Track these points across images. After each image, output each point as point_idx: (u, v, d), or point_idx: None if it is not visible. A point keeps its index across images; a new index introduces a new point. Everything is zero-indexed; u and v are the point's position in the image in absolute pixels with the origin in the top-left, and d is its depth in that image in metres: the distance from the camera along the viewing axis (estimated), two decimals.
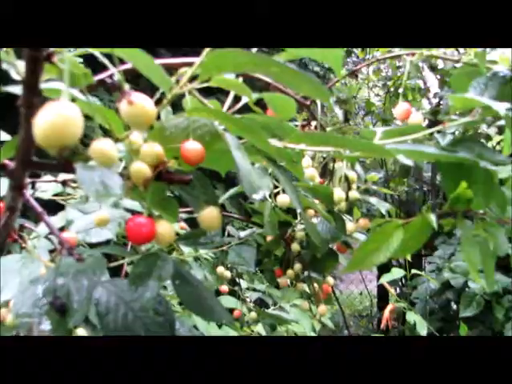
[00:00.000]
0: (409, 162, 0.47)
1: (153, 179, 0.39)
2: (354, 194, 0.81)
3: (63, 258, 0.52)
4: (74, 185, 0.56)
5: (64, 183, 0.54)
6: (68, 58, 0.25)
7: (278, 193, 0.82)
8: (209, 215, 0.42)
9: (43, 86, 0.31)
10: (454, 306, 2.33)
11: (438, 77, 2.57)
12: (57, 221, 0.78)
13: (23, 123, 0.34)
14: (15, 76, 0.31)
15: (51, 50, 0.29)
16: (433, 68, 2.46)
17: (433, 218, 0.38)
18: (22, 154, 0.38)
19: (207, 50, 0.34)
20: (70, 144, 0.21)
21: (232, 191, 0.91)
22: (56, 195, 0.74)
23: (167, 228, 0.40)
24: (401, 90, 2.81)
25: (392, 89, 2.92)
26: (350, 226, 0.83)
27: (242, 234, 1.02)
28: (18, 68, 0.31)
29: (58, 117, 0.20)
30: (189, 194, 0.49)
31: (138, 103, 0.30)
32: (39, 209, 0.44)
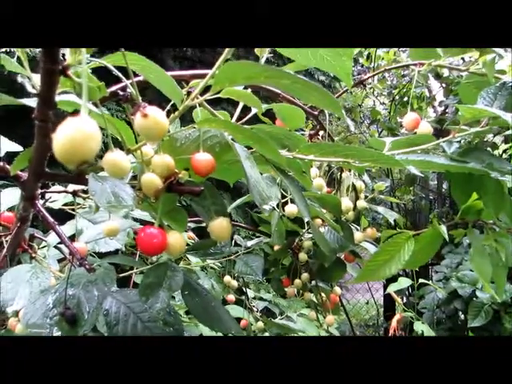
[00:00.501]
0: (416, 172, 0.47)
1: (164, 190, 0.40)
2: (361, 203, 0.81)
3: (74, 269, 0.52)
4: (84, 195, 0.57)
5: (74, 194, 0.55)
6: (84, 71, 0.26)
7: (285, 203, 0.82)
8: (219, 226, 0.42)
9: (57, 98, 0.32)
10: (462, 316, 2.31)
11: (444, 85, 2.57)
12: (66, 230, 0.78)
13: (37, 135, 0.35)
14: (30, 89, 0.31)
15: (66, 63, 0.29)
16: (438, 76, 2.46)
17: (444, 229, 0.38)
18: (34, 165, 0.39)
19: (220, 62, 0.35)
20: (88, 159, 0.21)
21: (239, 201, 0.91)
22: (65, 205, 0.75)
23: (178, 239, 0.40)
24: (406, 99, 2.81)
25: (397, 97, 2.92)
26: (357, 235, 0.83)
27: (250, 243, 1.02)
28: (33, 81, 0.31)
29: (77, 132, 0.20)
30: (199, 204, 0.49)
31: (152, 116, 0.30)
32: (50, 219, 0.44)
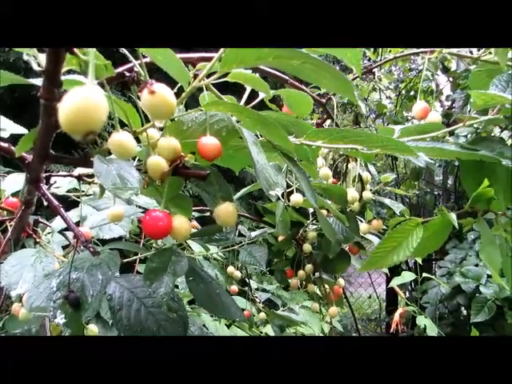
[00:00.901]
0: (421, 164, 0.46)
1: (170, 173, 0.39)
2: (367, 194, 0.80)
3: (78, 253, 0.52)
4: (89, 179, 0.56)
5: (79, 178, 0.54)
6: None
7: (290, 193, 0.81)
8: (225, 211, 0.42)
9: (63, 77, 0.31)
10: (465, 311, 2.30)
11: (451, 79, 2.55)
12: (70, 217, 0.78)
13: (43, 115, 0.34)
14: (36, 67, 0.31)
15: None
16: (445, 70, 2.44)
17: (453, 216, 0.37)
18: (39, 147, 0.39)
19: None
20: (96, 129, 0.21)
21: (244, 191, 0.91)
22: (69, 192, 0.75)
23: (184, 222, 0.40)
24: (412, 93, 2.79)
25: (404, 91, 2.90)
26: (362, 226, 0.82)
27: (254, 233, 1.02)
28: (38, 59, 0.31)
29: (84, 101, 0.20)
30: (204, 189, 0.49)
31: (160, 93, 0.30)
32: (55, 202, 0.44)
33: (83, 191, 0.73)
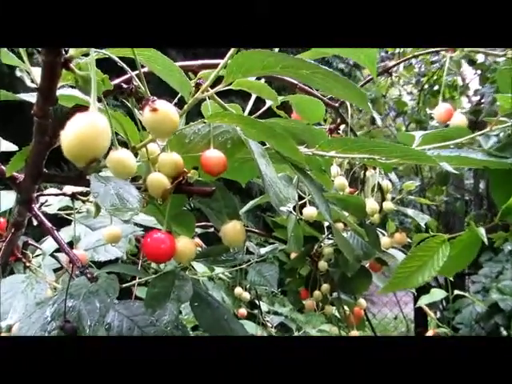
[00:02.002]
0: (449, 168, 0.48)
1: (172, 191, 0.41)
2: (388, 204, 0.81)
3: (72, 279, 0.54)
4: (83, 198, 0.58)
5: (73, 196, 0.56)
6: (92, 62, 0.27)
7: (302, 205, 0.83)
8: (232, 230, 0.43)
9: (58, 93, 0.33)
10: (504, 332, 2.28)
11: (479, 72, 2.56)
12: (62, 237, 0.80)
13: (36, 133, 0.36)
14: (29, 83, 0.33)
15: (69, 55, 0.30)
16: (472, 62, 2.45)
17: (482, 231, 0.38)
18: (32, 166, 0.40)
19: (232, 51, 0.36)
20: (99, 156, 0.22)
21: (251, 204, 0.92)
22: (60, 210, 0.77)
23: (188, 243, 0.41)
24: (436, 87, 2.79)
25: (426, 86, 2.91)
26: (384, 240, 0.83)
27: (263, 250, 1.03)
28: (32, 74, 0.32)
29: (88, 128, 0.21)
30: (208, 206, 0.50)
31: (162, 110, 0.32)
32: (48, 224, 0.46)
33: (76, 209, 0.75)
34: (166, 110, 0.32)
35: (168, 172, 0.41)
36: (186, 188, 0.42)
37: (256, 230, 1.03)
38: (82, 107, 0.37)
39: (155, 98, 0.32)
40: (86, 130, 0.21)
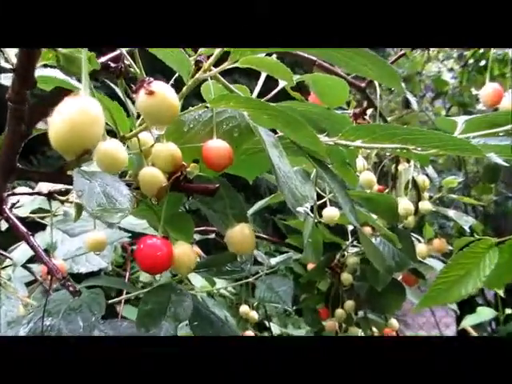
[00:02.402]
0: (498, 161, 0.48)
1: (168, 189, 0.42)
2: (425, 205, 0.82)
3: (49, 293, 0.55)
4: (62, 198, 0.59)
5: (50, 196, 0.57)
6: None
7: (321, 205, 0.84)
8: (240, 234, 0.44)
9: (37, 74, 0.34)
10: None
11: None
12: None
13: (10, 120, 0.37)
14: (3, 63, 0.34)
15: None
16: None
17: None
18: (4, 159, 0.42)
19: None
20: (92, 147, 0.23)
21: (260, 204, 0.93)
22: (32, 213, 0.78)
23: (187, 251, 0.42)
24: (483, 62, 2.79)
25: (471, 61, 2.90)
26: (420, 248, 0.84)
27: (274, 260, 1.04)
28: (7, 54, 0.34)
29: (80, 115, 0.22)
30: (210, 207, 0.52)
31: (160, 93, 0.33)
32: (23, 228, 0.47)
33: (49, 211, 0.76)
34: (164, 92, 0.33)
35: (164, 166, 0.42)
36: (184, 185, 0.43)
37: (265, 236, 1.04)
38: (64, 91, 0.38)
39: (151, 78, 0.33)
40: (77, 117, 0.22)
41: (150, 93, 0.33)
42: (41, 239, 0.78)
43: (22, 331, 0.48)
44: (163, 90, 0.33)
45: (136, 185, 0.43)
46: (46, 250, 0.72)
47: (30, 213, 0.77)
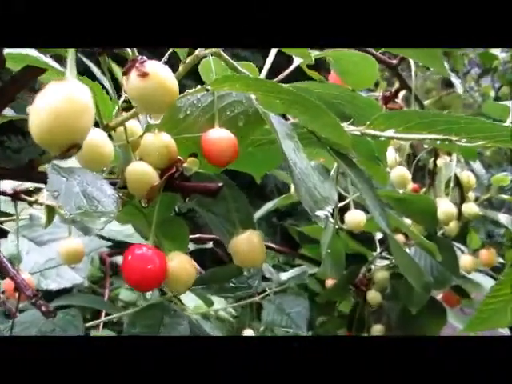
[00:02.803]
0: None
1: (161, 188, 0.43)
2: (470, 208, 0.83)
3: (13, 316, 0.56)
4: (30, 198, 0.60)
5: (15, 196, 0.58)
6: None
7: (344, 208, 0.84)
8: (247, 243, 0.45)
9: (6, 51, 0.35)
10: None
11: None
12: None
13: None
14: None
15: None
16: None
17: None
18: None
19: None
20: (81, 140, 0.24)
21: (268, 207, 0.94)
22: None
23: (185, 263, 0.43)
24: None
25: None
26: (465, 260, 0.84)
27: (284, 275, 1.05)
28: None
29: (66, 102, 0.23)
30: (210, 210, 0.52)
31: (156, 75, 0.33)
32: None
33: (10, 214, 0.77)
34: (160, 74, 0.34)
35: (155, 161, 0.43)
36: (180, 184, 0.44)
37: (273, 246, 1.05)
38: (36, 70, 0.39)
39: (144, 57, 0.34)
40: (64, 105, 0.23)
41: (144, 75, 0.33)
42: (3, 248, 0.79)
43: None
44: (159, 72, 0.34)
45: (122, 183, 0.44)
46: (10, 262, 0.73)
47: None
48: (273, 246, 1.06)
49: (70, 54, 0.27)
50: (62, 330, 0.49)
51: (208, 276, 0.57)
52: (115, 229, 0.86)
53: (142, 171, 0.42)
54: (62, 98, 0.24)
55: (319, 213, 0.45)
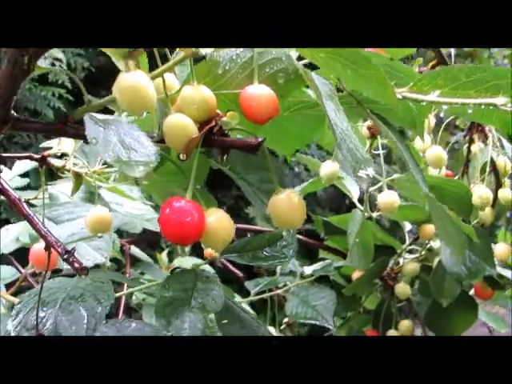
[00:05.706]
0: None
1: (199, 141, 0.43)
2: (507, 194, 0.82)
3: (36, 283, 0.56)
4: (58, 163, 0.60)
5: (42, 161, 0.59)
6: None
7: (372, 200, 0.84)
8: (287, 203, 0.45)
9: None
10: None
11: None
12: (10, 234, 0.83)
13: (7, 62, 0.39)
14: None
15: None
16: None
17: None
18: None
19: None
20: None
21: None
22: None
23: (223, 220, 0.43)
24: None
25: None
26: (500, 249, 0.83)
27: (309, 269, 1.04)
28: None
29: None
30: (236, 172, 0.51)
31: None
32: (13, 194, 0.48)
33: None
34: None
35: (194, 114, 0.43)
36: (219, 139, 0.44)
37: (299, 236, 1.04)
38: None
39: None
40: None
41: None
42: (23, 228, 0.79)
43: (10, 324, 0.49)
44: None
45: (159, 137, 0.44)
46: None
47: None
48: (299, 237, 1.05)
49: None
50: (92, 295, 0.49)
51: (241, 244, 0.57)
52: (136, 213, 0.86)
53: (180, 123, 0.43)
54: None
55: (361, 173, 0.45)
